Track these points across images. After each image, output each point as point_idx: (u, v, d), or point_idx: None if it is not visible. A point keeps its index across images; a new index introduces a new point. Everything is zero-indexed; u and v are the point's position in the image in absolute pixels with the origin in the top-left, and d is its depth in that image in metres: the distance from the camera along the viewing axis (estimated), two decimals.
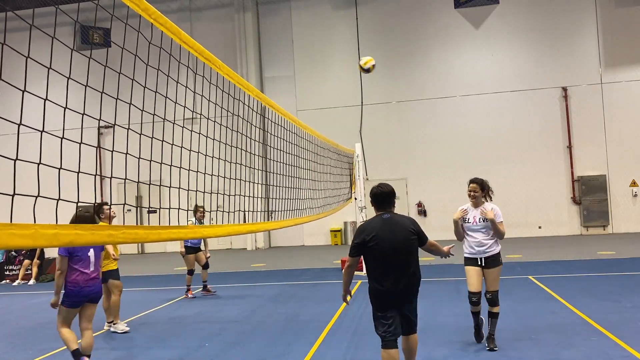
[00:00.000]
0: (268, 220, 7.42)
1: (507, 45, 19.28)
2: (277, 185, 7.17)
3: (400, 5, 19.95)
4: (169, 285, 11.70)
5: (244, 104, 5.40)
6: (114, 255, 7.16)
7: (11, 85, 2.30)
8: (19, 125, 2.18)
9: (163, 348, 6.53)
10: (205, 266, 10.07)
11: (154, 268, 15.71)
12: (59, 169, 2.42)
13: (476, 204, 5.67)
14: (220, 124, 4.97)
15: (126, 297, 10.43)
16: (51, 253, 13.35)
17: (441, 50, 19.65)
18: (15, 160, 2.15)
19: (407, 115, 19.75)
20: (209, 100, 4.60)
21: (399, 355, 4.24)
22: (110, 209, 7.00)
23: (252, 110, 6.00)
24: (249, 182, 6.18)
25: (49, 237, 1.97)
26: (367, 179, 18.56)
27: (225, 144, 5.08)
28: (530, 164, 18.72)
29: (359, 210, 12.08)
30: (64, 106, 2.65)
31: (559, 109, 18.79)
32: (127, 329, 7.47)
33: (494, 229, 5.53)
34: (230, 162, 5.18)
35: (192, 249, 9.89)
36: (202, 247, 10.18)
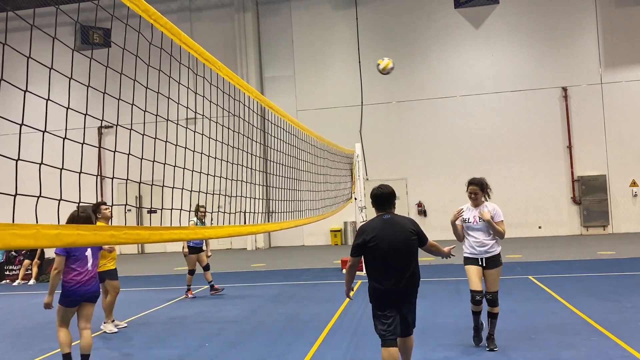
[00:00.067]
0: (268, 221, 7.43)
1: (507, 45, 19.28)
2: (277, 187, 7.17)
3: (401, 5, 19.95)
4: (169, 285, 11.70)
5: (244, 104, 5.41)
6: (110, 248, 7.07)
7: (13, 85, 2.31)
8: (20, 125, 2.18)
9: (163, 348, 6.54)
10: (206, 267, 10.07)
11: (154, 268, 15.71)
12: (61, 169, 2.42)
13: (476, 204, 5.67)
14: (222, 125, 4.97)
15: (126, 297, 10.45)
16: (51, 253, 13.34)
17: (441, 50, 19.66)
18: (17, 161, 2.15)
19: (407, 115, 19.76)
20: (210, 102, 4.61)
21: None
22: (107, 209, 6.94)
23: (252, 111, 6.00)
24: (249, 183, 6.18)
25: (51, 238, 1.98)
26: (367, 179, 18.56)
27: (227, 145, 5.09)
28: (530, 164, 18.73)
29: (359, 210, 12.08)
30: (67, 106, 2.65)
31: (559, 109, 18.79)
32: (116, 330, 7.45)
33: (493, 230, 5.53)
34: (231, 163, 5.18)
35: (194, 249, 9.89)
36: (204, 247, 10.17)
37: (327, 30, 20.46)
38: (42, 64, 2.51)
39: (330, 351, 5.92)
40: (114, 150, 3.11)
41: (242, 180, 5.58)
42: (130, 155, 3.15)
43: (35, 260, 13.77)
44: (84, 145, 2.81)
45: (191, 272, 9.93)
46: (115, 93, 3.11)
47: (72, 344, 5.39)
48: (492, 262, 5.54)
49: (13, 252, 14.35)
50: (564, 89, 18.70)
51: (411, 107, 19.72)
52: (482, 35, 19.41)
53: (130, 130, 3.28)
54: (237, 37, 20.46)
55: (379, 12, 20.13)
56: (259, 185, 7.20)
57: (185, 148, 4.17)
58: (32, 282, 13.55)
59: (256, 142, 7.12)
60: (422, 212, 19.32)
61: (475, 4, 19.19)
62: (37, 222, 2.01)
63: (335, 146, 11.01)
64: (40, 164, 2.28)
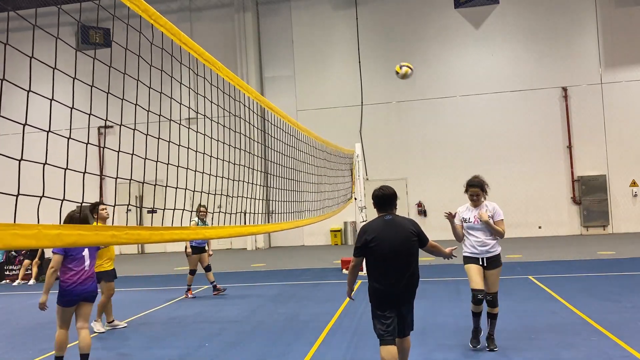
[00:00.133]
0: (268, 222, 7.44)
1: (507, 46, 19.29)
2: (277, 187, 7.18)
3: (400, 5, 19.96)
4: (169, 285, 11.71)
5: (243, 105, 5.41)
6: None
7: (15, 85, 2.31)
8: (24, 125, 2.18)
9: (163, 348, 6.54)
10: (208, 268, 10.04)
11: (154, 268, 15.71)
12: (65, 169, 2.43)
13: (476, 204, 5.67)
14: (223, 125, 4.98)
15: (126, 297, 10.46)
16: (50, 252, 13.36)
17: (441, 50, 19.66)
18: (20, 161, 2.15)
19: (407, 115, 19.76)
20: (211, 102, 4.61)
21: None
22: (104, 209, 6.86)
23: (252, 111, 6.00)
24: (249, 183, 6.18)
25: (52, 238, 1.98)
26: (367, 179, 18.57)
27: (228, 145, 5.09)
28: (530, 164, 18.74)
29: (359, 210, 12.08)
30: (70, 106, 2.65)
31: (559, 109, 18.80)
32: (104, 330, 7.44)
33: (492, 230, 5.51)
34: (231, 163, 5.19)
35: (196, 249, 9.86)
36: (207, 247, 10.15)
37: (327, 30, 20.47)
38: (45, 64, 2.51)
39: (330, 351, 5.93)
40: (114, 150, 3.11)
41: (242, 181, 5.59)
42: (130, 155, 3.15)
43: (36, 260, 13.77)
44: (82, 145, 2.81)
45: (192, 272, 9.92)
46: (115, 93, 3.11)
47: (70, 344, 5.39)
48: (492, 263, 5.54)
49: (13, 252, 14.35)
50: (564, 89, 18.71)
51: (411, 107, 19.73)
52: (482, 35, 19.42)
53: (131, 129, 3.28)
54: (237, 37, 20.46)
55: (379, 12, 20.14)
56: (259, 185, 7.20)
57: (187, 148, 4.17)
58: (32, 282, 13.55)
59: (256, 142, 7.12)
60: (422, 212, 19.33)
61: (475, 4, 19.19)
62: (38, 222, 2.01)
63: (335, 147, 11.01)
64: (44, 164, 2.28)
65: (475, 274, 5.51)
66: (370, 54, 20.10)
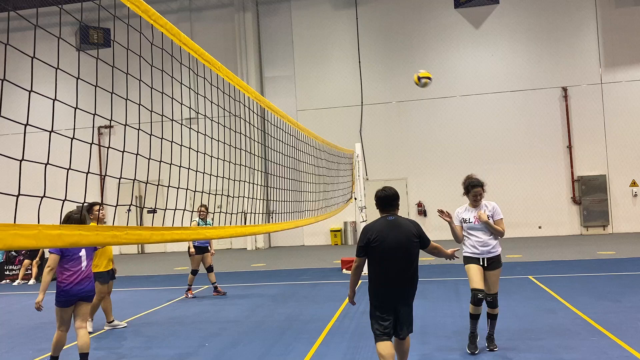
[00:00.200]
0: (269, 221, 7.43)
1: (507, 45, 19.29)
2: (277, 187, 7.18)
3: (401, 5, 19.96)
4: (169, 285, 11.71)
5: (244, 105, 5.41)
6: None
7: (17, 86, 2.31)
8: (25, 125, 2.18)
9: (163, 348, 6.54)
10: (210, 269, 10.02)
11: (154, 268, 15.71)
12: (68, 169, 2.43)
13: (476, 204, 5.66)
14: (223, 125, 4.98)
15: (126, 297, 10.46)
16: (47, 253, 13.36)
17: (441, 50, 19.66)
18: (21, 161, 2.15)
19: (407, 115, 19.76)
20: (211, 102, 4.61)
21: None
22: (99, 210, 6.78)
23: (252, 111, 6.01)
24: (249, 183, 6.19)
25: (53, 238, 1.98)
26: (367, 179, 18.58)
27: (228, 145, 5.09)
28: (530, 164, 18.74)
29: (359, 210, 12.09)
30: (75, 107, 2.65)
31: (559, 109, 18.80)
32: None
33: (492, 230, 5.50)
34: (232, 163, 5.19)
35: (199, 249, 9.81)
36: (209, 247, 10.12)
37: (327, 30, 20.46)
38: (47, 64, 2.51)
39: (330, 351, 5.93)
40: (114, 149, 3.11)
41: (242, 181, 5.59)
42: (130, 155, 3.15)
43: (36, 260, 13.77)
44: (84, 145, 2.81)
45: (194, 272, 9.89)
46: (116, 93, 3.11)
47: (70, 345, 5.39)
48: (493, 264, 5.52)
49: (13, 252, 14.34)
50: (564, 89, 18.71)
51: (411, 107, 19.73)
52: (482, 35, 19.42)
53: (131, 129, 3.28)
54: (237, 37, 20.46)
55: (379, 12, 20.13)
56: (259, 185, 7.21)
57: (188, 148, 4.17)
58: (32, 282, 13.55)
59: (256, 142, 7.12)
60: (422, 212, 19.33)
61: (475, 4, 19.19)
62: (39, 222, 2.02)
63: (335, 147, 11.01)
64: (46, 164, 2.28)
65: (475, 274, 5.49)
66: (370, 54, 20.10)
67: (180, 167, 3.93)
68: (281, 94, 20.29)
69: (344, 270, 12.10)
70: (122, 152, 3.01)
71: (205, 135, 4.56)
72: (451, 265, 10.75)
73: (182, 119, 4.28)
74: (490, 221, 5.51)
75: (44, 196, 2.18)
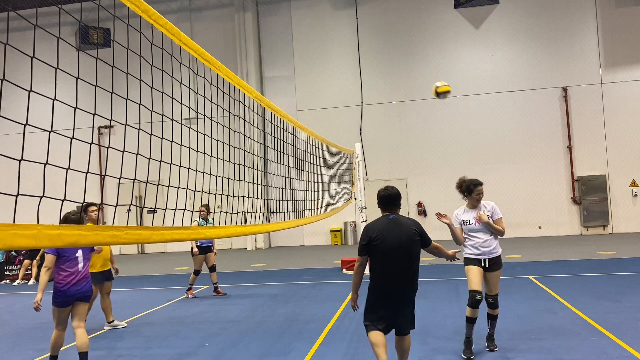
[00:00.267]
0: (269, 221, 7.43)
1: (507, 45, 19.29)
2: (277, 187, 7.18)
3: (401, 5, 19.96)
4: (169, 285, 11.71)
5: (244, 104, 5.41)
6: (99, 249, 6.80)
7: (17, 86, 2.31)
8: (25, 125, 2.18)
9: (163, 348, 6.54)
10: (212, 269, 10.00)
11: (154, 268, 15.71)
12: (67, 169, 2.42)
13: (473, 205, 5.62)
14: (223, 125, 4.98)
15: (126, 297, 10.46)
16: None
17: (441, 50, 19.66)
18: (20, 161, 2.15)
19: (407, 115, 19.76)
20: (210, 101, 4.61)
21: (393, 354, 4.42)
22: (94, 210, 6.70)
23: (252, 111, 6.01)
24: (250, 182, 6.19)
25: (52, 238, 1.98)
26: (367, 179, 18.58)
27: (228, 145, 5.09)
28: (530, 164, 18.74)
29: (359, 210, 12.08)
30: (75, 106, 2.65)
31: (559, 109, 18.80)
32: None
33: (493, 230, 5.49)
34: (232, 163, 5.19)
35: (202, 248, 9.77)
36: (213, 247, 10.10)
37: (327, 30, 20.47)
38: (47, 64, 2.51)
39: (330, 351, 5.93)
40: (114, 149, 3.11)
41: (242, 180, 5.59)
42: (130, 155, 3.15)
43: (36, 259, 13.77)
44: (84, 145, 2.81)
45: (196, 272, 9.84)
46: (115, 93, 3.11)
47: (69, 345, 5.40)
48: (494, 265, 5.48)
49: (13, 252, 14.35)
50: (564, 89, 18.71)
51: (411, 107, 19.73)
52: (481, 35, 19.42)
53: (131, 129, 3.28)
54: (237, 37, 20.46)
55: (379, 12, 20.13)
56: (260, 185, 7.21)
57: (188, 147, 4.17)
58: (32, 282, 13.54)
59: (256, 142, 7.12)
60: (422, 212, 19.33)
61: (475, 4, 19.20)
62: (38, 222, 2.01)
63: (335, 146, 11.01)
64: (45, 164, 2.28)
65: (474, 275, 5.43)
66: (370, 54, 20.10)
67: (179, 166, 3.93)
68: (281, 94, 20.29)
69: (344, 271, 12.10)
70: (122, 151, 3.01)
71: (204, 135, 4.55)
72: (451, 265, 10.75)
73: (181, 119, 4.27)
74: (490, 221, 5.49)
75: (43, 196, 2.18)
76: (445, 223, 5.46)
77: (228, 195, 5.03)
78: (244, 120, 5.70)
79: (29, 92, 2.25)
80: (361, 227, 11.49)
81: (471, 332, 5.45)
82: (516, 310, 7.33)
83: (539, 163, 18.71)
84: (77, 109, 2.72)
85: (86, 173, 2.59)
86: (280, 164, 7.21)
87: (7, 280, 14.11)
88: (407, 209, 19.28)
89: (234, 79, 4.30)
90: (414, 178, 19.55)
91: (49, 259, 5.37)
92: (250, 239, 20.16)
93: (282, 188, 7.37)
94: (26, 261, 13.81)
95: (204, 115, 4.65)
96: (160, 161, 3.45)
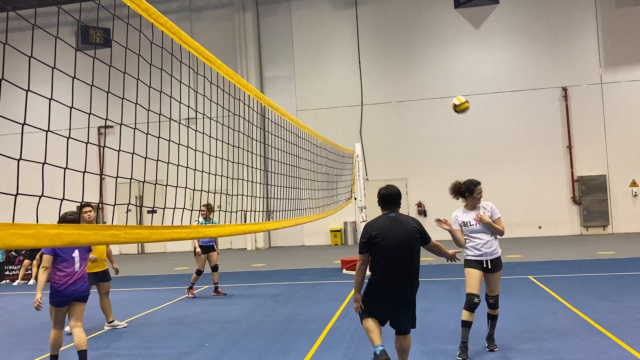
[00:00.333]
0: (269, 220, 7.43)
1: (507, 45, 19.29)
2: (277, 185, 7.18)
3: (401, 6, 19.96)
4: (169, 285, 11.70)
5: (244, 103, 5.41)
6: (93, 258, 6.80)
7: (15, 85, 2.31)
8: (23, 125, 2.17)
9: (163, 348, 6.53)
10: (215, 268, 9.99)
11: (154, 268, 15.71)
12: (65, 169, 2.42)
13: (472, 206, 5.60)
14: (222, 124, 4.97)
15: (126, 297, 10.46)
16: None
17: (441, 50, 19.66)
18: (19, 160, 2.15)
19: (407, 115, 19.76)
20: (210, 100, 4.61)
21: (393, 354, 4.42)
22: (87, 211, 6.65)
23: (252, 110, 6.00)
24: (250, 181, 6.18)
25: (52, 237, 1.97)
26: (367, 179, 18.57)
27: (228, 144, 5.09)
28: (530, 164, 18.74)
29: (359, 210, 12.08)
30: (70, 106, 2.65)
31: (559, 109, 18.80)
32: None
33: (494, 230, 5.46)
34: (232, 162, 5.18)
35: (204, 248, 9.76)
36: (216, 247, 10.08)
37: (327, 30, 20.46)
38: (44, 63, 2.50)
39: (330, 351, 5.92)
40: (113, 149, 3.10)
41: (242, 179, 5.59)
42: (130, 155, 3.14)
43: (36, 259, 13.76)
44: (82, 145, 2.80)
45: (199, 272, 9.80)
46: (116, 93, 3.11)
47: (68, 345, 5.41)
48: (496, 265, 5.44)
49: (13, 252, 14.35)
50: (564, 89, 18.70)
51: (411, 107, 19.73)
52: (481, 35, 19.41)
53: (132, 129, 3.28)
54: (237, 37, 20.46)
55: (379, 12, 20.13)
56: (260, 183, 7.21)
57: (188, 147, 4.17)
58: (32, 282, 13.53)
59: (256, 140, 7.13)
60: (422, 212, 19.32)
61: (475, 4, 19.20)
62: (37, 221, 2.01)
63: (335, 145, 11.01)
64: (43, 164, 2.28)
65: (474, 279, 5.36)
66: (370, 54, 20.10)
67: (178, 166, 3.93)
68: (281, 93, 20.29)
69: (344, 271, 12.10)
70: (118, 150, 3.00)
71: (203, 134, 4.55)
72: (451, 265, 10.74)
73: (180, 119, 4.27)
74: (491, 221, 5.47)
75: (42, 195, 2.17)
76: (446, 229, 5.43)
77: (227, 193, 5.02)
78: (244, 119, 5.70)
79: (27, 91, 2.25)
80: (361, 227, 11.49)
81: (467, 337, 5.33)
82: (516, 310, 7.32)
83: (539, 163, 18.70)
84: (72, 109, 2.71)
85: (83, 172, 2.58)
86: (280, 162, 7.21)
87: (7, 280, 14.11)
88: (407, 209, 19.27)
89: (235, 77, 4.30)
90: (414, 178, 19.54)
91: (46, 259, 5.40)
92: (251, 239, 20.16)
93: (282, 187, 7.36)
94: (26, 261, 13.80)
95: (203, 114, 4.65)
96: (158, 160, 3.44)
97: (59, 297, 5.40)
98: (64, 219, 5.24)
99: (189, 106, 4.28)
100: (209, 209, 9.60)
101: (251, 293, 10.21)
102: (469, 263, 5.46)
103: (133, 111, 3.41)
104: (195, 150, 4.34)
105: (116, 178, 2.95)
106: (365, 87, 20.02)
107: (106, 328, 7.64)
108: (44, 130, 2.33)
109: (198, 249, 9.65)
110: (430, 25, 19.73)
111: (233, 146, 5.35)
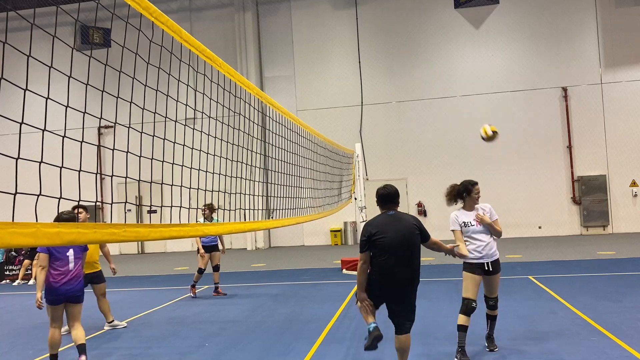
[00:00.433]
0: (269, 218, 7.43)
1: (507, 45, 19.28)
2: (277, 184, 7.17)
3: (401, 5, 19.95)
4: (169, 285, 11.70)
5: (244, 102, 5.40)
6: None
7: (13, 84, 2.30)
8: (21, 124, 2.17)
9: (163, 348, 6.53)
10: (216, 268, 9.97)
11: (154, 268, 15.71)
12: (61, 168, 2.42)
13: (471, 207, 5.55)
14: (223, 123, 4.97)
15: (126, 297, 10.46)
16: None
17: (441, 50, 19.66)
18: (17, 159, 2.14)
19: (407, 115, 19.76)
20: (210, 99, 4.60)
21: (393, 354, 4.49)
22: (81, 212, 6.55)
23: (253, 108, 6.00)
24: (250, 180, 6.18)
25: (51, 236, 1.97)
26: (367, 179, 18.56)
27: (228, 143, 5.08)
28: (530, 163, 18.73)
29: (359, 210, 12.08)
30: (67, 105, 2.64)
31: (559, 109, 18.79)
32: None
33: (493, 231, 5.44)
34: (232, 160, 5.18)
35: (207, 247, 9.76)
36: (220, 247, 10.07)
37: (327, 30, 20.46)
38: (42, 63, 2.50)
39: (330, 351, 5.92)
40: (113, 148, 3.10)
41: (242, 178, 5.58)
42: (130, 155, 3.14)
43: (35, 259, 13.76)
44: (84, 145, 2.80)
45: (201, 270, 9.77)
46: (116, 92, 3.11)
47: (68, 346, 5.42)
48: (497, 266, 5.41)
49: (13, 252, 14.35)
50: (564, 89, 18.70)
51: (411, 107, 19.72)
52: (482, 35, 19.41)
53: (132, 129, 3.27)
54: (237, 37, 20.46)
55: (379, 12, 20.13)
56: (260, 182, 7.20)
57: (187, 147, 4.16)
58: (32, 282, 13.53)
59: (257, 139, 7.13)
60: (422, 212, 19.32)
61: (475, 4, 19.20)
62: (36, 220, 2.01)
63: (335, 144, 11.01)
64: (40, 163, 2.28)
65: (473, 284, 5.28)
66: (370, 54, 20.10)
67: (174, 164, 3.92)
68: (281, 93, 20.28)
69: (344, 271, 12.09)
70: (112, 149, 3.00)
71: (203, 133, 4.55)
72: (451, 265, 10.74)
73: (185, 118, 4.26)
74: (491, 222, 5.46)
75: (40, 194, 2.17)
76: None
77: (225, 192, 5.02)
78: (245, 117, 5.70)
79: (25, 90, 2.25)
80: (361, 227, 11.48)
81: (464, 341, 5.25)
82: (516, 311, 7.32)
83: (539, 163, 18.70)
84: (76, 110, 2.71)
85: (79, 171, 2.58)
86: (280, 160, 7.20)
87: (7, 280, 14.11)
88: (407, 209, 19.26)
89: (235, 75, 4.29)
90: (413, 178, 19.54)
91: (42, 257, 5.43)
92: (251, 239, 20.16)
93: (283, 185, 7.36)
94: (26, 261, 13.80)
95: (202, 112, 4.64)
96: (158, 160, 3.44)
97: (53, 295, 5.43)
98: (59, 219, 5.25)
99: (186, 104, 4.28)
100: (211, 208, 9.58)
101: (251, 293, 10.21)
102: (470, 267, 5.33)
103: (133, 111, 3.41)
104: (191, 149, 4.33)
105: (111, 177, 2.95)
106: (365, 87, 20.02)
107: (106, 328, 7.63)
108: (41, 130, 2.33)
109: (202, 250, 9.63)
110: (431, 25, 19.73)
111: (233, 144, 5.34)
